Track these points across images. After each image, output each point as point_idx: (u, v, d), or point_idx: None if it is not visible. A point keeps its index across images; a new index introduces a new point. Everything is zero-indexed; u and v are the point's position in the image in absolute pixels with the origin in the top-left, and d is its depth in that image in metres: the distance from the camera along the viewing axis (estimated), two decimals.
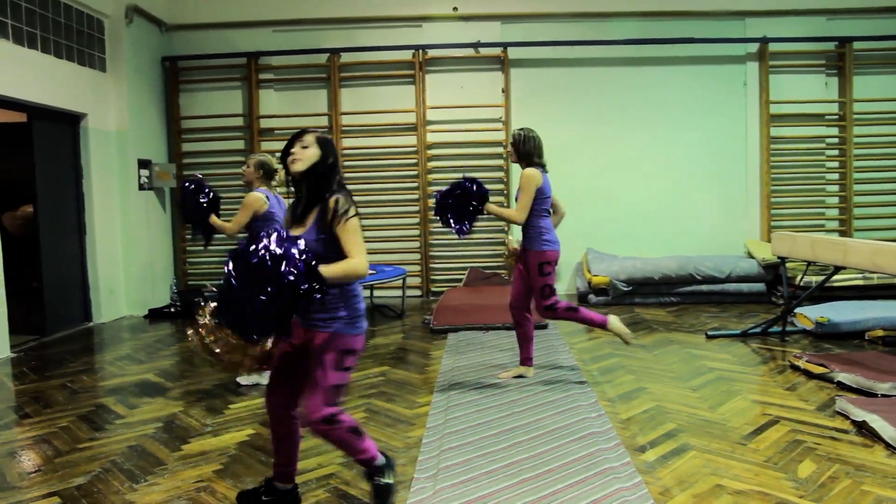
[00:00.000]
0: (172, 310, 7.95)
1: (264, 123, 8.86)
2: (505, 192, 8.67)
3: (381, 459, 2.83)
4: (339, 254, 2.63)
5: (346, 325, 2.71)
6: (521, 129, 4.67)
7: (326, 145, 2.77)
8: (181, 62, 8.83)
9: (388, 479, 2.82)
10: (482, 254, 8.84)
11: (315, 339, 2.70)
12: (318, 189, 2.72)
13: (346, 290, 2.72)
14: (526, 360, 4.92)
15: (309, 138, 2.75)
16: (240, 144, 8.91)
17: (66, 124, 7.26)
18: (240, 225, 4.64)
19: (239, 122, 8.90)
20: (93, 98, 7.47)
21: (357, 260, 2.61)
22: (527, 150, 4.63)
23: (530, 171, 4.57)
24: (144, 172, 8.18)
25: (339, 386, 2.71)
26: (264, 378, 4.73)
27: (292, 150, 2.74)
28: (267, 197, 4.64)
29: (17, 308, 6.52)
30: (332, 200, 2.66)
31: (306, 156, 2.73)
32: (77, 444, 3.85)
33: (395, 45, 8.64)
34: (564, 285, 8.82)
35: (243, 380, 4.89)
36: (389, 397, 4.59)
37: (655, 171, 8.72)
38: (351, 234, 2.64)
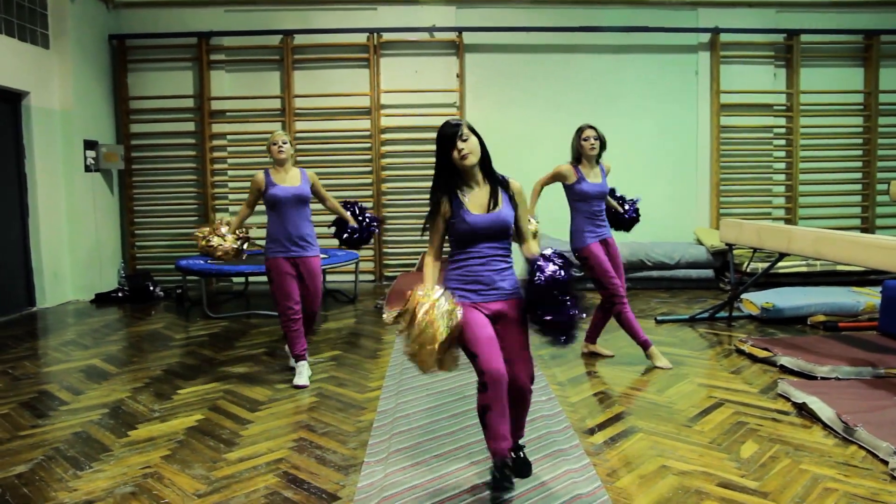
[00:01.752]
0: (120, 294, 7.78)
1: (216, 105, 8.70)
2: None
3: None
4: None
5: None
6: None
7: (475, 130, 2.92)
8: (129, 41, 8.60)
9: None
10: None
11: (515, 308, 2.93)
12: (494, 173, 2.96)
13: None
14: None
15: (466, 130, 2.87)
16: (190, 126, 8.74)
17: (7, 102, 7.02)
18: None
19: (189, 103, 8.72)
20: (35, 76, 7.23)
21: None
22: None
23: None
24: (91, 154, 7.96)
25: None
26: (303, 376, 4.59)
27: (459, 147, 2.84)
28: None
29: None
30: (516, 183, 2.98)
31: (474, 147, 2.87)
32: (18, 432, 3.75)
33: (349, 28, 8.54)
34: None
35: (301, 380, 4.52)
36: (341, 382, 4.58)
37: (608, 158, 8.78)
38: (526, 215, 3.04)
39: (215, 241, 4.69)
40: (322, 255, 4.88)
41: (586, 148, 4.79)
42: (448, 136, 2.87)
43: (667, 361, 4.82)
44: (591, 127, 4.81)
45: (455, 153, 2.86)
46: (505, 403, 2.75)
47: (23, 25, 7.05)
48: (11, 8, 6.88)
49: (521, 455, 2.97)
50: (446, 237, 3.05)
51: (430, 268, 3.05)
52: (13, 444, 3.57)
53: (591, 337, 5.13)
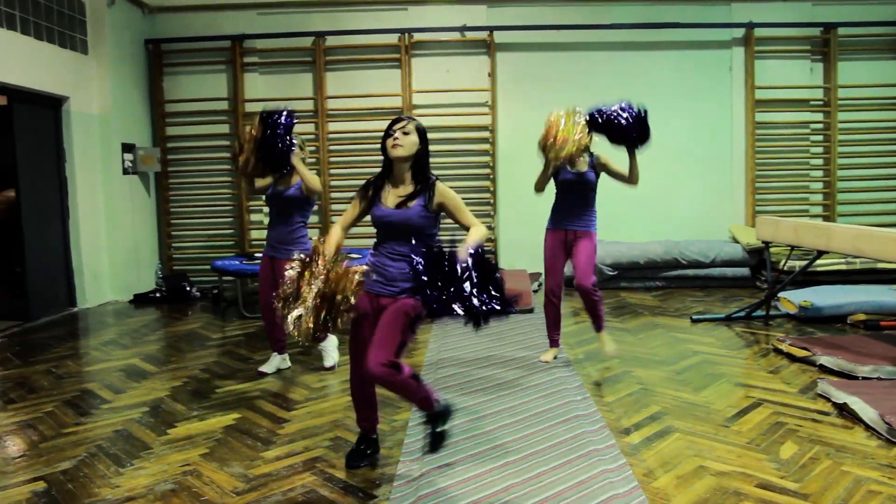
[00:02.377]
0: (158, 295, 7.91)
1: (249, 107, 8.78)
2: (491, 176, 8.66)
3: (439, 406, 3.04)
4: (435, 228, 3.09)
5: None
6: None
7: (423, 132, 3.07)
8: (165, 45, 8.74)
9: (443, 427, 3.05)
10: None
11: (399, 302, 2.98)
12: (425, 176, 3.06)
13: None
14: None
15: (410, 126, 3.01)
16: (224, 128, 8.84)
17: (48, 107, 7.17)
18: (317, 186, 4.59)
19: (223, 105, 8.82)
20: (75, 81, 7.38)
21: (479, 224, 3.09)
22: None
23: None
24: (128, 156, 8.11)
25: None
26: (286, 363, 4.92)
27: (395, 136, 2.98)
28: None
29: (1, 294, 6.47)
30: (442, 185, 3.06)
31: (409, 143, 2.99)
32: (62, 429, 3.84)
33: (380, 29, 8.58)
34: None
35: (266, 367, 4.84)
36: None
37: (641, 156, 8.70)
38: (462, 208, 3.11)
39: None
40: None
41: (388, 146, 4.63)
42: (391, 124, 3.03)
43: (549, 357, 4.89)
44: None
45: (389, 140, 3.00)
46: (362, 396, 3.19)
47: (63, 32, 7.20)
48: (52, 15, 7.03)
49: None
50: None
51: (333, 236, 3.05)
52: (58, 441, 3.65)
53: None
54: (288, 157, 4.42)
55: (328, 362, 4.86)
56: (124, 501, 2.94)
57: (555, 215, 4.86)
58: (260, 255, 6.09)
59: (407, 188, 3.05)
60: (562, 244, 4.80)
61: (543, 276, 4.73)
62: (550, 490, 2.89)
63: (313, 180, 4.53)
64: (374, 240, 3.17)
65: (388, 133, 3.01)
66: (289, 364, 4.94)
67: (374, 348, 2.84)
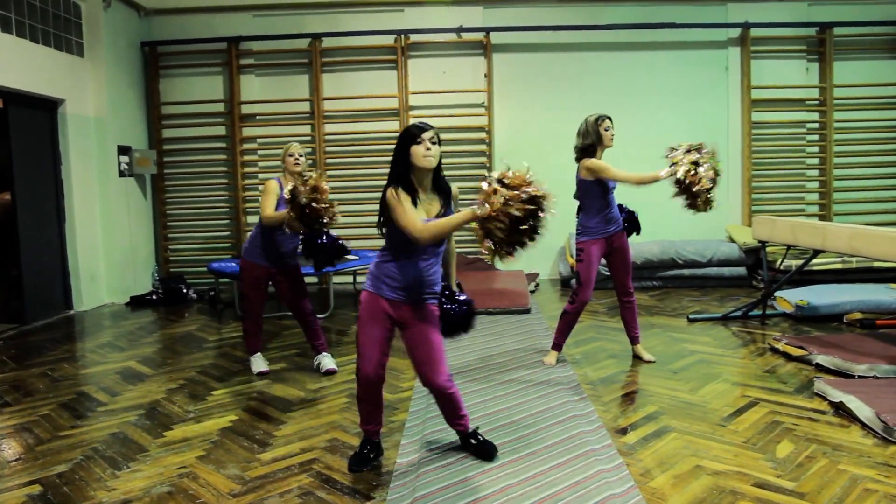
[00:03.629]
0: (154, 297, 7.89)
1: (245, 109, 8.79)
2: (488, 176, 8.64)
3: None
4: None
5: None
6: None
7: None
8: (161, 47, 8.73)
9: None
10: (465, 238, 8.84)
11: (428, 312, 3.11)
12: (442, 181, 3.11)
13: None
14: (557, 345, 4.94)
15: (437, 136, 3.00)
16: (221, 130, 8.84)
17: (44, 110, 7.16)
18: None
19: (220, 107, 8.82)
20: (70, 83, 7.37)
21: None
22: None
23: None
24: (124, 159, 8.10)
25: None
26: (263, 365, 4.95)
27: (429, 147, 2.94)
28: None
29: None
30: (455, 188, 3.15)
31: (438, 154, 3.01)
32: (58, 432, 3.83)
33: (376, 30, 8.58)
34: (547, 270, 8.86)
35: (256, 367, 4.91)
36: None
37: (638, 156, 8.66)
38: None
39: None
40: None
41: (607, 138, 4.74)
42: (419, 131, 2.94)
43: (552, 360, 4.86)
44: (610, 118, 4.77)
45: (423, 149, 2.92)
46: (372, 400, 3.22)
47: (58, 35, 7.19)
48: (48, 18, 7.02)
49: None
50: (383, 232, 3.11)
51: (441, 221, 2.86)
52: (54, 444, 3.64)
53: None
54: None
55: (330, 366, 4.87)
56: None
57: (599, 221, 4.77)
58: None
59: (430, 196, 3.06)
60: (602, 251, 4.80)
61: (579, 285, 4.67)
62: (547, 490, 2.89)
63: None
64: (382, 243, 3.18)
65: (417, 140, 2.93)
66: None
67: (436, 363, 3.04)
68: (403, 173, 2.99)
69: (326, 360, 4.88)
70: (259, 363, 4.92)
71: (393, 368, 4.91)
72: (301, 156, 4.67)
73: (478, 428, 3.35)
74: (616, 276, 4.86)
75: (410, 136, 2.95)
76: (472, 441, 3.29)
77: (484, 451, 3.25)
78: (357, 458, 3.27)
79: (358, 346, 3.13)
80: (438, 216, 3.01)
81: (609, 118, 4.71)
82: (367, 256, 7.37)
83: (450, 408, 3.21)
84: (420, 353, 3.06)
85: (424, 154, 2.93)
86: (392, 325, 3.12)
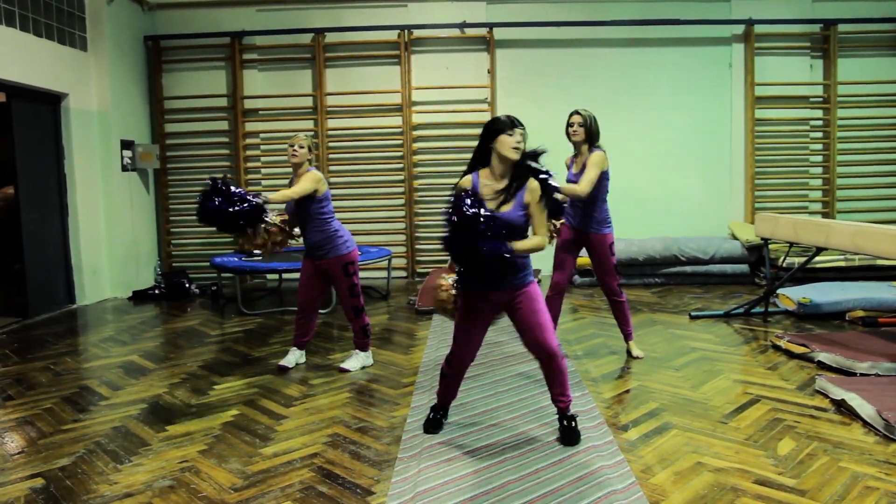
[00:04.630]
0: (157, 291, 7.91)
1: (248, 104, 8.79)
2: None
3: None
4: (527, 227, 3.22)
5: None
6: (586, 110, 4.57)
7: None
8: (164, 42, 8.73)
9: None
10: None
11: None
12: (525, 171, 3.23)
13: None
14: (628, 335, 4.98)
15: (525, 131, 3.20)
16: (224, 125, 8.85)
17: (47, 104, 7.17)
18: (289, 197, 4.49)
19: (223, 102, 8.82)
20: (74, 78, 7.37)
21: (543, 238, 3.22)
22: (596, 130, 4.58)
23: (602, 153, 4.53)
24: (127, 153, 8.10)
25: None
26: (302, 357, 4.95)
27: (518, 140, 3.16)
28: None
29: None
30: (537, 183, 3.23)
31: (524, 146, 3.19)
32: (61, 426, 3.84)
33: (380, 26, 8.58)
34: (550, 266, 8.82)
35: (287, 361, 4.88)
36: (374, 377, 4.61)
37: (641, 153, 8.72)
38: (542, 214, 3.23)
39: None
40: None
41: (569, 134, 4.62)
42: (511, 125, 3.16)
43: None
44: (577, 112, 4.55)
45: (513, 141, 3.14)
46: (460, 379, 3.57)
47: (62, 29, 7.20)
48: (51, 12, 7.02)
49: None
50: None
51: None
52: (56, 438, 3.65)
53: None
54: (248, 215, 4.35)
55: (344, 364, 4.84)
56: (122, 498, 2.94)
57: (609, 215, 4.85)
58: (259, 252, 6.08)
59: (499, 183, 3.22)
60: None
61: (620, 275, 4.92)
62: (548, 486, 2.90)
63: (295, 192, 4.48)
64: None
65: (508, 132, 3.15)
66: (304, 360, 4.99)
67: (547, 332, 3.26)
68: (483, 160, 3.27)
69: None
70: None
71: (393, 364, 4.92)
72: (301, 147, 4.58)
73: (576, 415, 3.48)
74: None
75: (502, 125, 3.17)
76: (564, 423, 3.40)
77: (569, 436, 3.36)
78: (433, 422, 3.56)
79: (458, 337, 3.38)
80: (499, 203, 3.17)
81: (577, 112, 4.58)
82: (368, 252, 7.38)
83: (557, 379, 3.36)
84: (530, 324, 3.25)
85: (513, 146, 3.14)
86: (494, 314, 3.38)
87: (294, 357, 4.91)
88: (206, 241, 8.90)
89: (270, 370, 4.83)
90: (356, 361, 4.83)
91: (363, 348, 4.87)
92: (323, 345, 5.52)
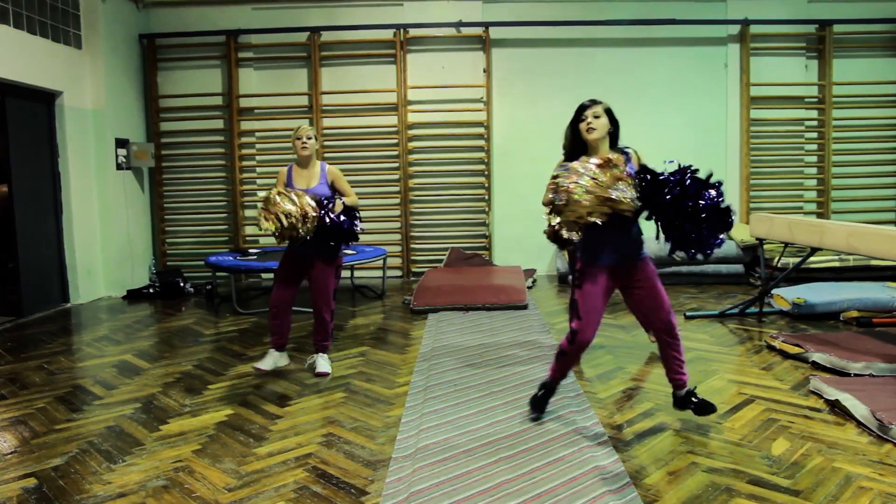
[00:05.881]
0: (151, 290, 7.89)
1: (244, 102, 8.77)
2: (486, 172, 8.65)
3: None
4: None
5: None
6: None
7: (612, 113, 3.45)
8: (159, 40, 8.71)
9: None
10: (463, 234, 8.84)
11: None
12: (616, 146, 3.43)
13: None
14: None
15: (599, 109, 3.40)
16: (219, 124, 8.83)
17: (41, 102, 7.14)
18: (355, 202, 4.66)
19: (218, 101, 8.81)
20: (68, 75, 7.35)
21: None
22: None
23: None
24: (122, 152, 8.08)
25: None
26: (283, 360, 4.74)
27: (589, 121, 3.34)
28: None
29: None
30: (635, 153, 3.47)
31: (601, 126, 3.37)
32: (54, 426, 3.83)
33: (375, 24, 8.57)
34: (545, 266, 8.85)
35: (264, 364, 4.63)
36: (369, 377, 4.60)
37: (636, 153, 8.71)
38: None
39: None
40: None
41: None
42: (581, 107, 3.40)
43: None
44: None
45: (583, 125, 3.35)
46: (577, 359, 3.65)
47: (56, 26, 7.17)
48: (45, 9, 6.99)
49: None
50: None
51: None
52: (49, 438, 3.64)
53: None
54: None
55: (321, 369, 4.72)
56: (116, 498, 2.93)
57: None
58: (255, 251, 6.05)
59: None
60: None
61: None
62: (543, 486, 2.89)
63: (353, 194, 4.66)
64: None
65: (581, 118, 3.37)
66: (287, 361, 4.82)
67: (667, 306, 3.40)
68: (578, 148, 3.41)
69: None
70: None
71: (388, 364, 4.92)
72: (310, 139, 4.53)
73: (696, 387, 3.61)
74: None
75: (576, 114, 3.41)
76: (693, 399, 3.53)
77: (704, 408, 3.52)
78: (541, 401, 3.71)
79: (580, 315, 3.37)
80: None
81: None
82: (364, 251, 7.37)
83: (674, 357, 3.48)
84: (649, 300, 3.39)
85: (586, 128, 3.34)
86: (611, 290, 3.44)
87: (281, 361, 4.80)
88: (201, 240, 8.89)
89: (265, 370, 4.80)
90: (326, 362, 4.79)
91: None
92: None
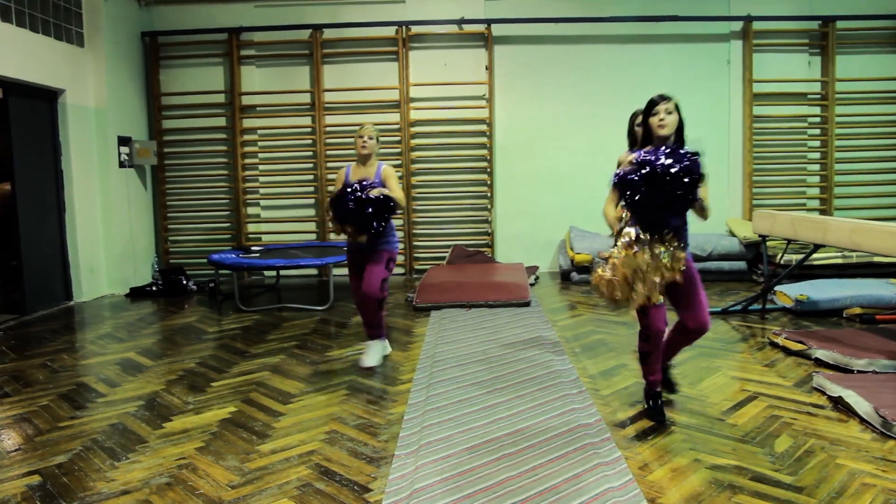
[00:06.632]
0: (154, 288, 7.90)
1: (246, 100, 8.78)
2: (489, 169, 8.65)
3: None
4: None
5: None
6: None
7: (679, 110, 3.48)
8: (161, 37, 8.71)
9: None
10: (465, 231, 8.84)
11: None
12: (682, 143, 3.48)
13: None
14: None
15: (671, 105, 3.43)
16: (221, 122, 8.83)
17: (44, 100, 7.15)
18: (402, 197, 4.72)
19: (220, 98, 8.81)
20: (71, 74, 7.35)
21: None
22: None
23: None
24: (124, 150, 8.09)
25: None
26: (385, 349, 4.96)
27: (662, 116, 3.39)
28: None
29: None
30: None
31: (672, 122, 3.41)
32: (58, 423, 3.84)
33: (378, 22, 8.56)
34: (548, 263, 8.85)
35: (369, 360, 4.76)
36: (372, 374, 4.61)
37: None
38: None
39: None
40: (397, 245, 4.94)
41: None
42: (652, 102, 3.42)
43: None
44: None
45: (654, 119, 3.38)
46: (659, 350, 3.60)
47: (59, 24, 7.17)
48: (48, 7, 7.00)
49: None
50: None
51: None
52: (53, 435, 3.65)
53: None
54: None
55: (368, 362, 4.78)
56: (119, 495, 2.94)
57: None
58: (257, 248, 6.06)
59: None
60: None
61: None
62: (546, 483, 2.89)
63: (400, 192, 4.69)
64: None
65: (652, 112, 3.39)
66: (389, 350, 5.01)
67: (706, 309, 3.52)
68: (646, 142, 3.46)
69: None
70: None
71: (391, 361, 4.92)
72: (371, 138, 4.67)
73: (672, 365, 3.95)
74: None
75: (647, 108, 3.43)
76: (657, 401, 3.67)
77: (670, 384, 3.91)
78: (659, 411, 3.63)
79: (650, 311, 3.47)
80: None
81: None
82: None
83: (677, 351, 3.79)
84: (693, 299, 3.50)
85: (658, 124, 3.38)
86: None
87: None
88: (203, 237, 8.90)
89: (268, 367, 4.82)
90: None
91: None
92: (320, 342, 5.52)
